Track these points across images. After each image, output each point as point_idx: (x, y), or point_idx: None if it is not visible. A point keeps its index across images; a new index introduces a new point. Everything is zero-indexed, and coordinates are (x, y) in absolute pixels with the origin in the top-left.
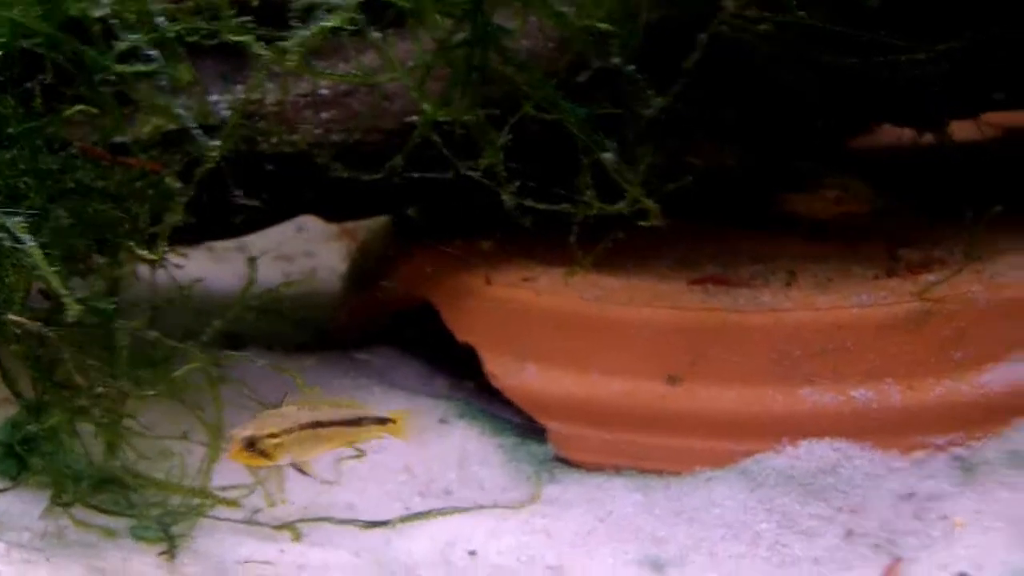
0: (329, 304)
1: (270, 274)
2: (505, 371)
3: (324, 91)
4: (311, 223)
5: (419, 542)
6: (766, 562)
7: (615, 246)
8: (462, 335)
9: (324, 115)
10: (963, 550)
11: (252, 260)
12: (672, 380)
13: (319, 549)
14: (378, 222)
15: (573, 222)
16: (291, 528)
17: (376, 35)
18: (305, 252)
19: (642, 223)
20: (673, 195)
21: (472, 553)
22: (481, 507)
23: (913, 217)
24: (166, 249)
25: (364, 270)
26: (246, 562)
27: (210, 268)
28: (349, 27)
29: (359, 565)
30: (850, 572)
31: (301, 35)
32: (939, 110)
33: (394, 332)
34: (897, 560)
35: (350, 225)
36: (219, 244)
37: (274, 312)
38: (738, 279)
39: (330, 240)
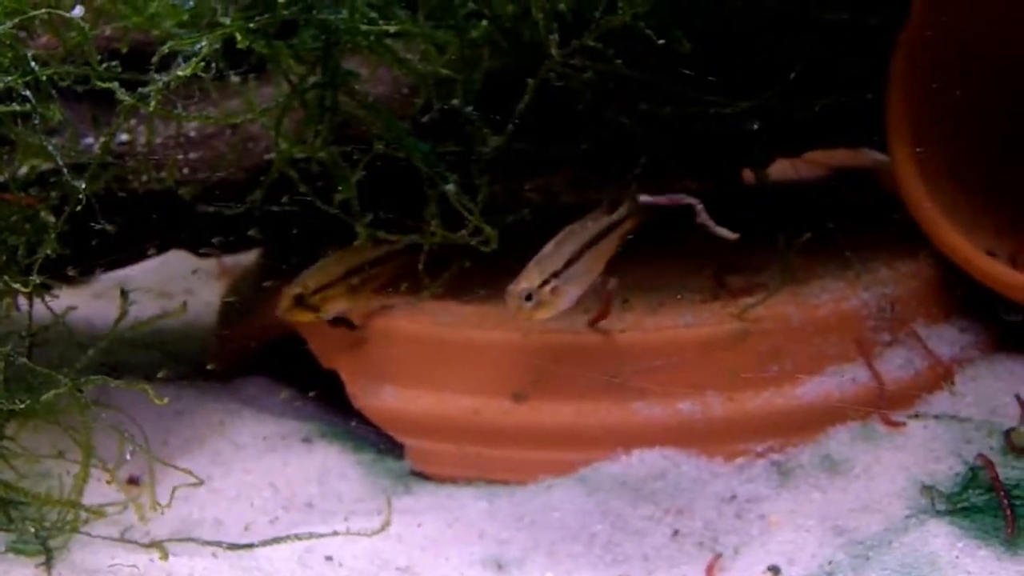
0: (206, 338)
1: (151, 310)
2: (365, 392)
3: (192, 133)
4: (203, 265)
5: (280, 550)
6: (600, 560)
7: (470, 276)
8: (326, 361)
9: (192, 155)
10: (777, 546)
11: (124, 294)
12: (517, 397)
13: (186, 558)
14: (252, 260)
15: (423, 252)
16: (159, 547)
17: (235, 80)
18: (186, 290)
19: (483, 248)
20: (522, 226)
21: (328, 558)
22: (336, 532)
23: (743, 248)
24: (42, 281)
25: (237, 304)
26: (117, 572)
27: (92, 305)
28: (205, 74)
29: (223, 571)
30: (676, 568)
31: (160, 81)
32: (763, 151)
33: (266, 362)
34: (717, 556)
35: (230, 264)
36: (101, 283)
37: (154, 346)
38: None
39: (211, 279)
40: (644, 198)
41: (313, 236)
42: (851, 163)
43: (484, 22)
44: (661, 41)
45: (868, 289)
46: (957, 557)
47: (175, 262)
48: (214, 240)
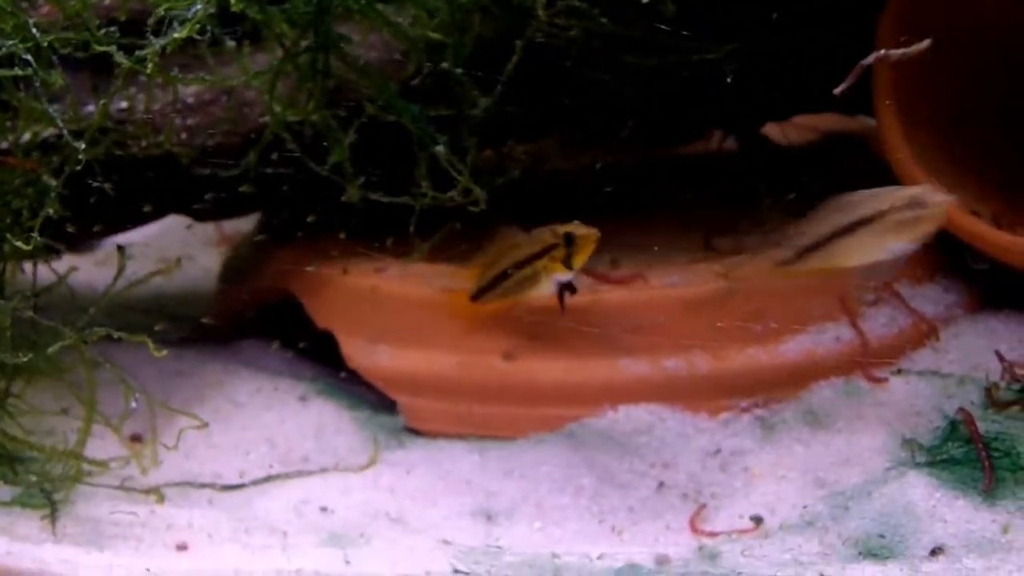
0: (206, 303)
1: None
2: (359, 352)
3: (189, 99)
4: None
5: (277, 502)
6: (586, 511)
7: (466, 240)
8: (321, 322)
9: (189, 121)
10: (760, 497)
11: (121, 249)
12: (507, 356)
13: (186, 510)
14: (252, 227)
15: (414, 215)
16: (156, 492)
17: (231, 45)
18: (187, 256)
19: (472, 209)
20: (513, 190)
21: (324, 509)
22: (326, 470)
23: (733, 210)
24: (45, 242)
25: (236, 268)
26: (118, 522)
27: (94, 272)
28: (200, 38)
29: (220, 520)
30: (660, 519)
31: (156, 44)
32: (752, 115)
33: (265, 324)
34: (701, 507)
35: (229, 231)
36: (103, 251)
37: (155, 310)
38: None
39: (211, 247)
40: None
41: (308, 199)
42: (843, 128)
43: None
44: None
45: None
46: (934, 507)
47: (176, 231)
48: (207, 197)
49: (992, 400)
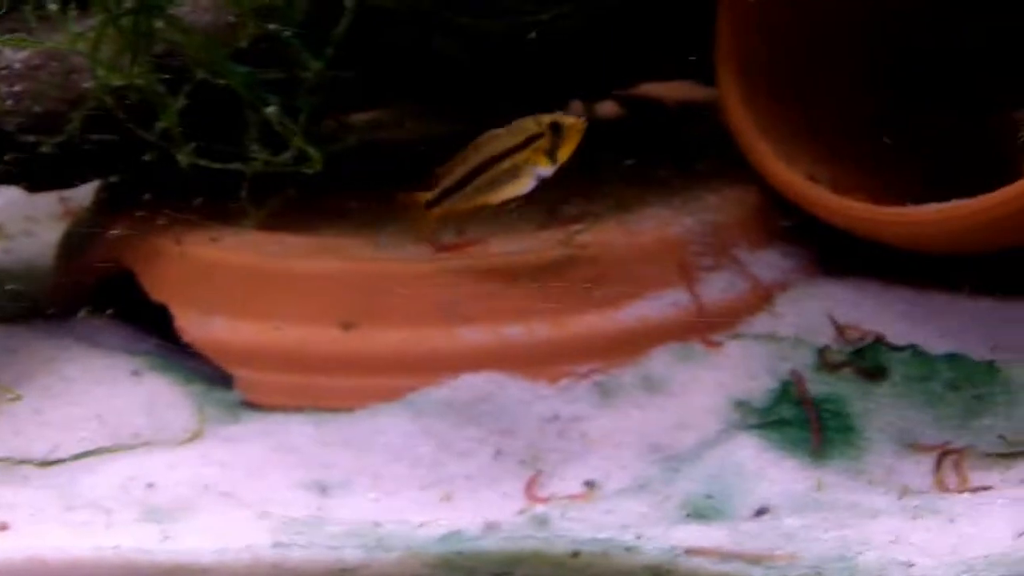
0: (44, 277)
1: None
2: (194, 325)
3: (16, 65)
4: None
5: (103, 478)
6: (423, 480)
7: (298, 206)
8: (156, 295)
9: (16, 87)
10: (596, 462)
11: None
12: (346, 326)
13: (9, 488)
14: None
15: (246, 181)
16: None
17: (53, 7)
18: (25, 231)
19: (305, 170)
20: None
21: (151, 485)
22: (151, 445)
23: (578, 178)
24: None
25: (74, 242)
26: None
27: None
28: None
29: (44, 498)
30: (498, 485)
31: None
32: (601, 83)
33: (104, 298)
34: (537, 473)
35: (74, 204)
36: None
37: None
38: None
39: (54, 219)
40: None
41: (142, 167)
42: (691, 97)
43: None
44: None
45: (692, 216)
46: (763, 467)
47: (20, 204)
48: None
49: (825, 362)
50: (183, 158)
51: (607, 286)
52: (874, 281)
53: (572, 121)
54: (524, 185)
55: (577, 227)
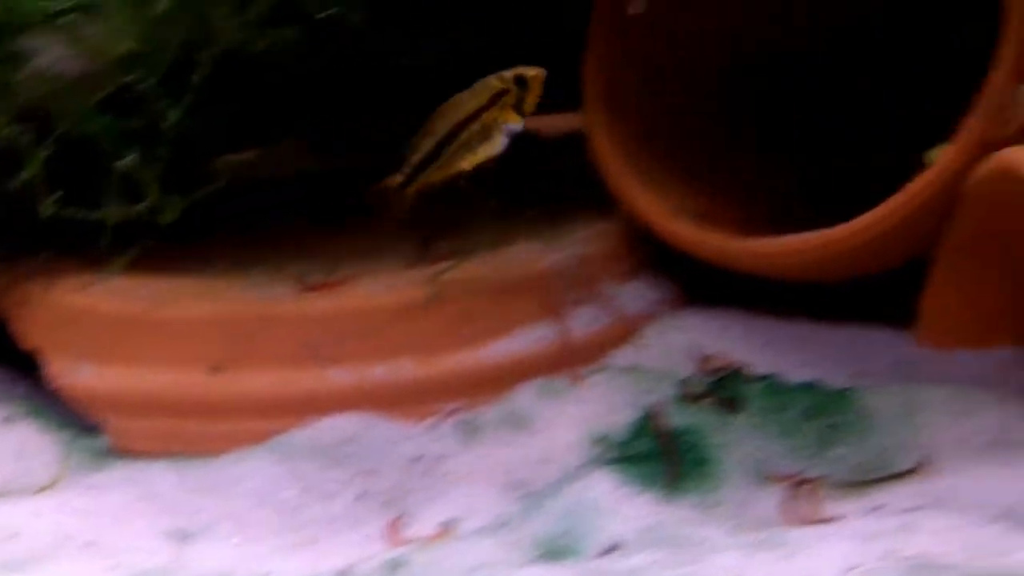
0: None
1: None
2: (64, 371)
3: None
4: None
5: None
6: (287, 524)
7: (168, 250)
8: (27, 341)
9: None
10: (460, 500)
11: None
12: (214, 370)
13: None
14: None
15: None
16: None
17: None
18: None
19: (160, 220)
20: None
21: (15, 535)
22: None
23: (454, 213)
24: None
25: None
26: None
27: None
28: None
29: None
30: (361, 527)
31: None
32: None
33: None
34: (400, 514)
35: None
36: None
37: None
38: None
39: None
40: None
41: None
42: (572, 127)
43: None
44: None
45: (561, 250)
46: (618, 502)
47: None
48: None
49: (686, 394)
50: (45, 208)
51: (474, 323)
52: (740, 311)
53: (535, 72)
54: (497, 144)
55: (444, 265)
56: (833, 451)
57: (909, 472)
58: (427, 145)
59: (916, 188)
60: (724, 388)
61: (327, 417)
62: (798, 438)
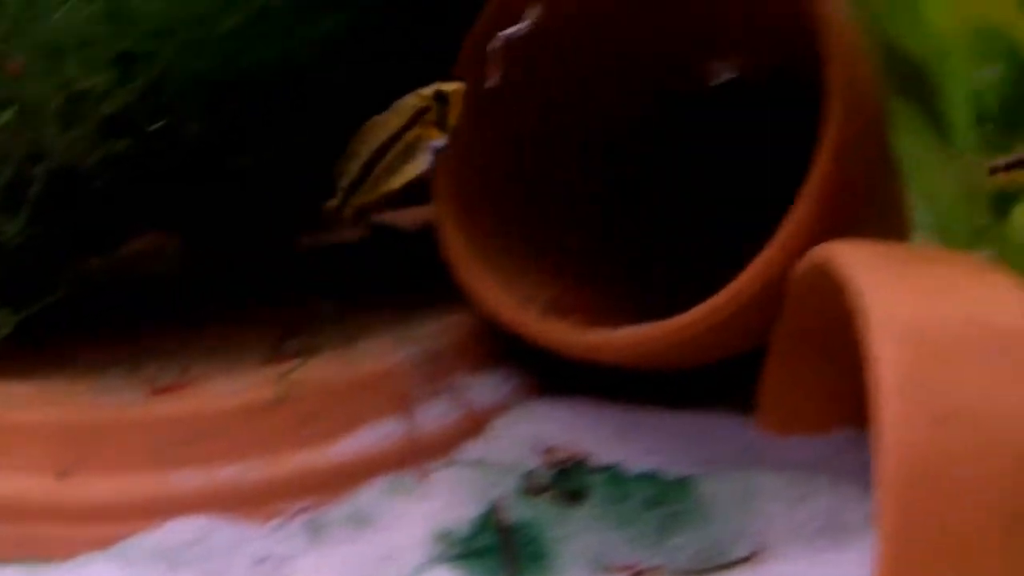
0: None
1: None
2: None
3: None
4: None
5: None
6: None
7: (46, 353)
8: None
9: None
10: None
11: None
12: (61, 475)
13: None
14: None
15: None
16: None
17: None
18: None
19: None
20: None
21: None
22: None
23: (308, 310)
24: None
25: None
26: None
27: None
28: None
29: None
30: None
31: None
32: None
33: None
34: None
35: None
36: None
37: None
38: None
39: None
40: None
41: None
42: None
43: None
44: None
45: (413, 343)
46: None
47: None
48: None
49: (530, 487)
50: None
51: (321, 421)
52: (591, 401)
53: (454, 87)
54: (422, 162)
55: (292, 363)
56: (672, 540)
57: (743, 560)
58: (354, 168)
59: (743, 282)
60: (567, 480)
61: (172, 521)
62: (638, 528)
